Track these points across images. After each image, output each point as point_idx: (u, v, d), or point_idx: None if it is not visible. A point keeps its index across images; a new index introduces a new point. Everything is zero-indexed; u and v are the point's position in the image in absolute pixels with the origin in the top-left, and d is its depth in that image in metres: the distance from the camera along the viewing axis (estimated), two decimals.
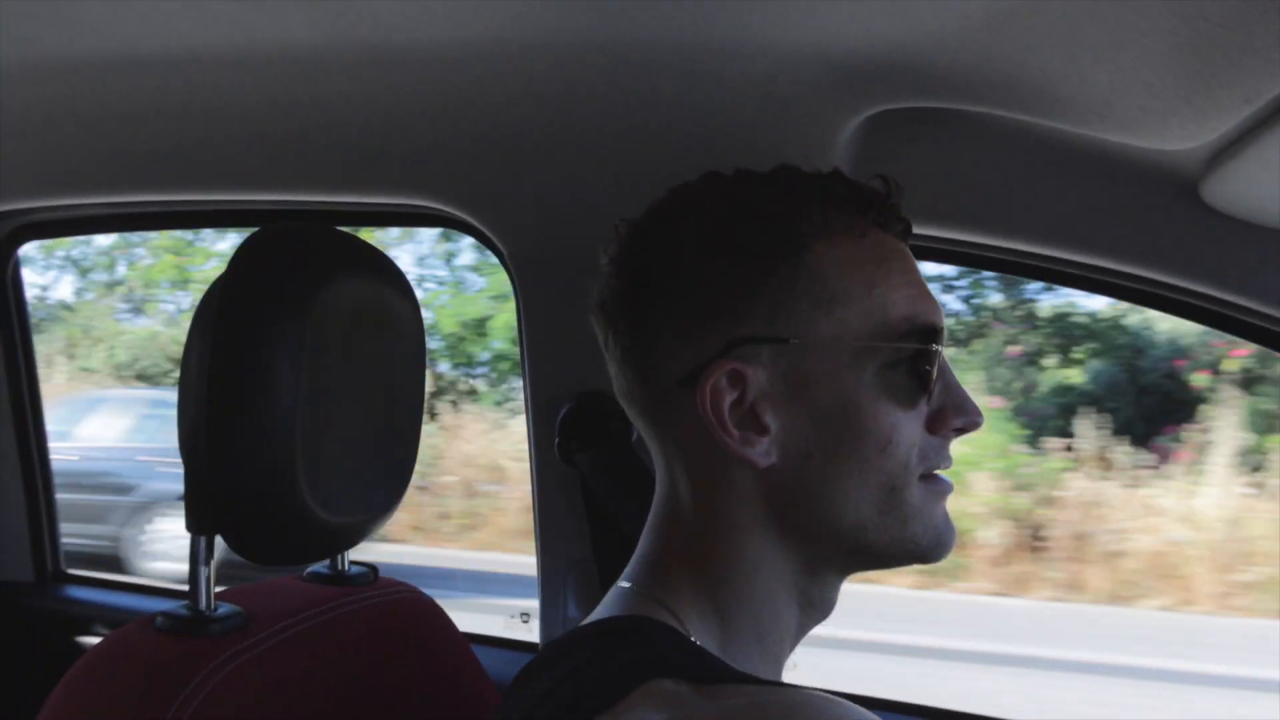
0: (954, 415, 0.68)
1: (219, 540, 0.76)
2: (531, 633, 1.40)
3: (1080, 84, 0.82)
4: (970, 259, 1.14)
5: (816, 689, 0.58)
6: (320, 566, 0.96)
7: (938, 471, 0.69)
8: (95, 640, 1.53)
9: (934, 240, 1.12)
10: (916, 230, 1.08)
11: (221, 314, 0.71)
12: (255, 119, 1.14)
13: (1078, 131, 0.90)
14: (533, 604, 1.34)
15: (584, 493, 1.20)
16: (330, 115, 1.12)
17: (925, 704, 1.33)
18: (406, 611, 0.96)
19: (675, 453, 0.70)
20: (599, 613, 0.68)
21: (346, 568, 0.95)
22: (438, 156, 1.15)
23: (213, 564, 0.77)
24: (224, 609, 0.78)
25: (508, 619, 1.45)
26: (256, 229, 0.77)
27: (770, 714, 0.53)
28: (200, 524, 0.76)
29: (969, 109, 0.94)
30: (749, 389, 0.65)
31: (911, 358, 0.66)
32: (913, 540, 0.67)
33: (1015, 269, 1.11)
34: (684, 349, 0.67)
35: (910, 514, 0.67)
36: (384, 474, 0.88)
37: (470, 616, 1.35)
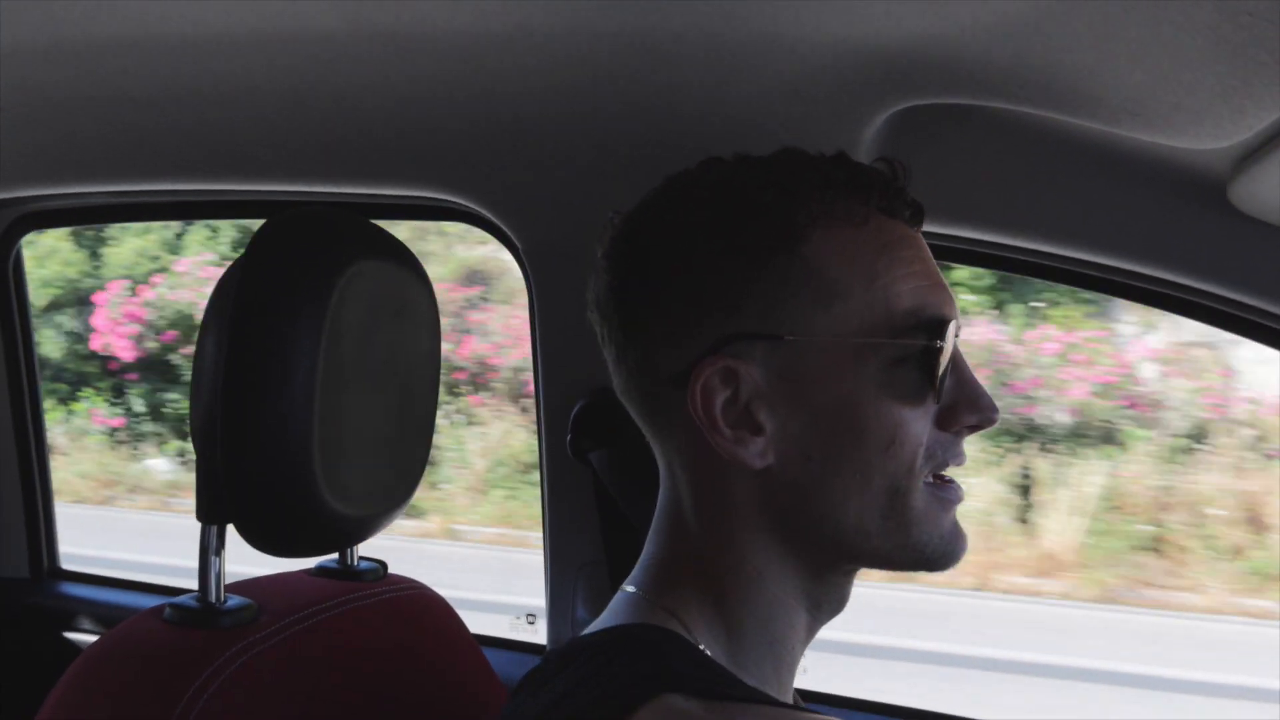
0: (966, 411, 0.65)
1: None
2: (538, 634, 1.38)
3: (1114, 82, 0.81)
4: (993, 260, 1.13)
5: (825, 713, 0.57)
6: (329, 561, 0.94)
7: (947, 473, 0.66)
8: (83, 636, 1.51)
9: (956, 240, 1.10)
10: (939, 230, 1.09)
11: (241, 298, 0.70)
12: (268, 106, 1.12)
13: (1107, 130, 0.89)
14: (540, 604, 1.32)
15: (596, 492, 1.18)
16: (345, 104, 1.10)
17: (929, 709, 1.31)
18: (417, 609, 0.94)
19: (674, 454, 0.68)
20: (604, 620, 0.66)
21: (356, 562, 0.93)
22: (454, 149, 1.14)
23: (224, 554, 0.75)
24: (234, 601, 0.75)
25: (513, 619, 1.43)
26: (272, 215, 0.75)
27: None
28: (211, 512, 0.74)
29: (996, 106, 0.93)
30: (742, 387, 0.63)
31: (919, 353, 0.63)
32: (916, 548, 0.65)
33: (1038, 271, 1.10)
34: (675, 346, 0.65)
35: (914, 519, 0.64)
36: (399, 467, 0.86)
37: None
